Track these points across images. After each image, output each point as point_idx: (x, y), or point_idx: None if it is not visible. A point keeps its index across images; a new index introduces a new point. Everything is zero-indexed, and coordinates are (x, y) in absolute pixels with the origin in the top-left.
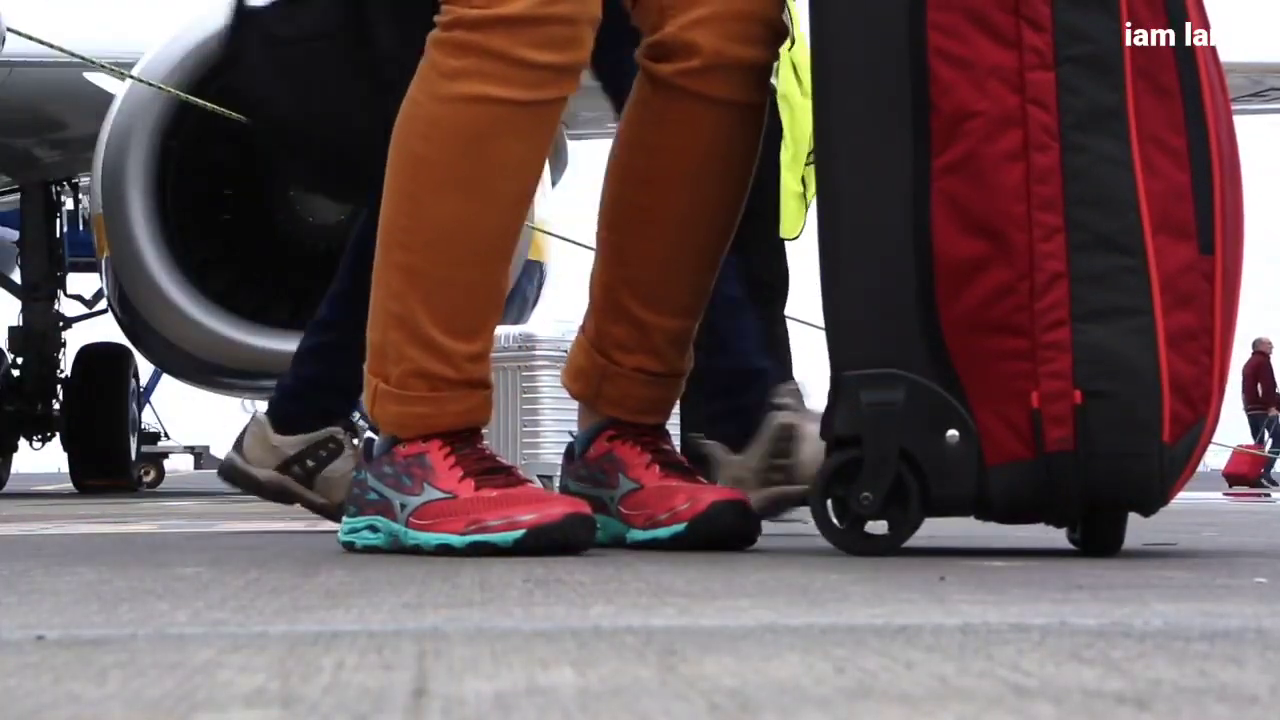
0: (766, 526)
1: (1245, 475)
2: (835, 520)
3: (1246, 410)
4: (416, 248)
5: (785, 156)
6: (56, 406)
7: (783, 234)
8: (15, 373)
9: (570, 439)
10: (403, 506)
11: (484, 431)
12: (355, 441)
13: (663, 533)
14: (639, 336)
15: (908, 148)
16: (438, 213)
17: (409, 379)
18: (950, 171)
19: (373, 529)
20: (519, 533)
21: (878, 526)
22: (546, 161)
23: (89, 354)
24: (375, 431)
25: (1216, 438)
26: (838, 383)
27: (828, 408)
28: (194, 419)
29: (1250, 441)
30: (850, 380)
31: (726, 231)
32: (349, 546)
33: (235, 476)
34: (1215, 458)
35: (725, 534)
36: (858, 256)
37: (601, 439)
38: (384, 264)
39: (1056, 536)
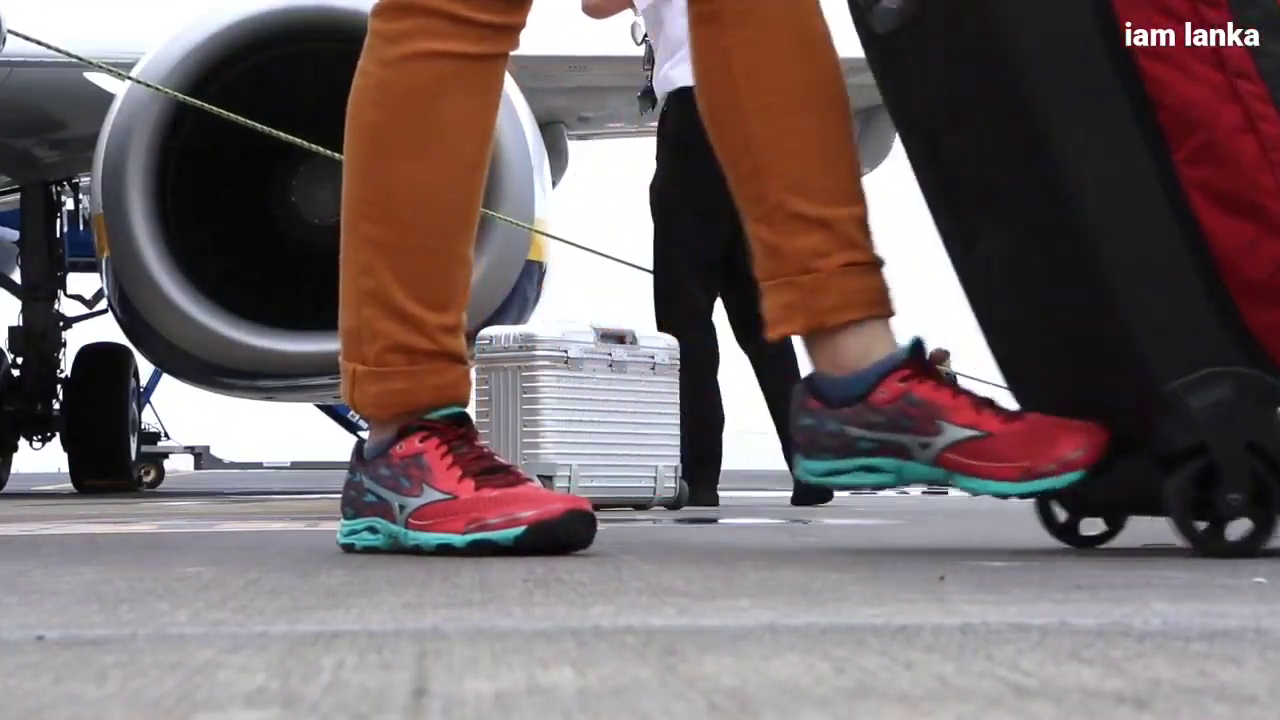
0: (768, 527)
1: None
2: (1197, 529)
3: None
4: (381, 218)
5: None
6: (56, 406)
7: None
8: (15, 373)
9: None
10: (401, 508)
11: (483, 431)
12: None
13: (1054, 482)
14: (830, 236)
15: (1145, 153)
16: (397, 179)
17: (386, 355)
18: (1194, 162)
19: (372, 530)
20: (519, 530)
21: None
22: (539, 145)
23: (89, 354)
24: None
25: None
26: (1159, 399)
27: (1154, 427)
28: (194, 419)
29: None
30: (1173, 391)
31: (847, 102)
32: (348, 548)
33: None
34: None
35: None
36: (1136, 276)
37: (892, 380)
38: (352, 241)
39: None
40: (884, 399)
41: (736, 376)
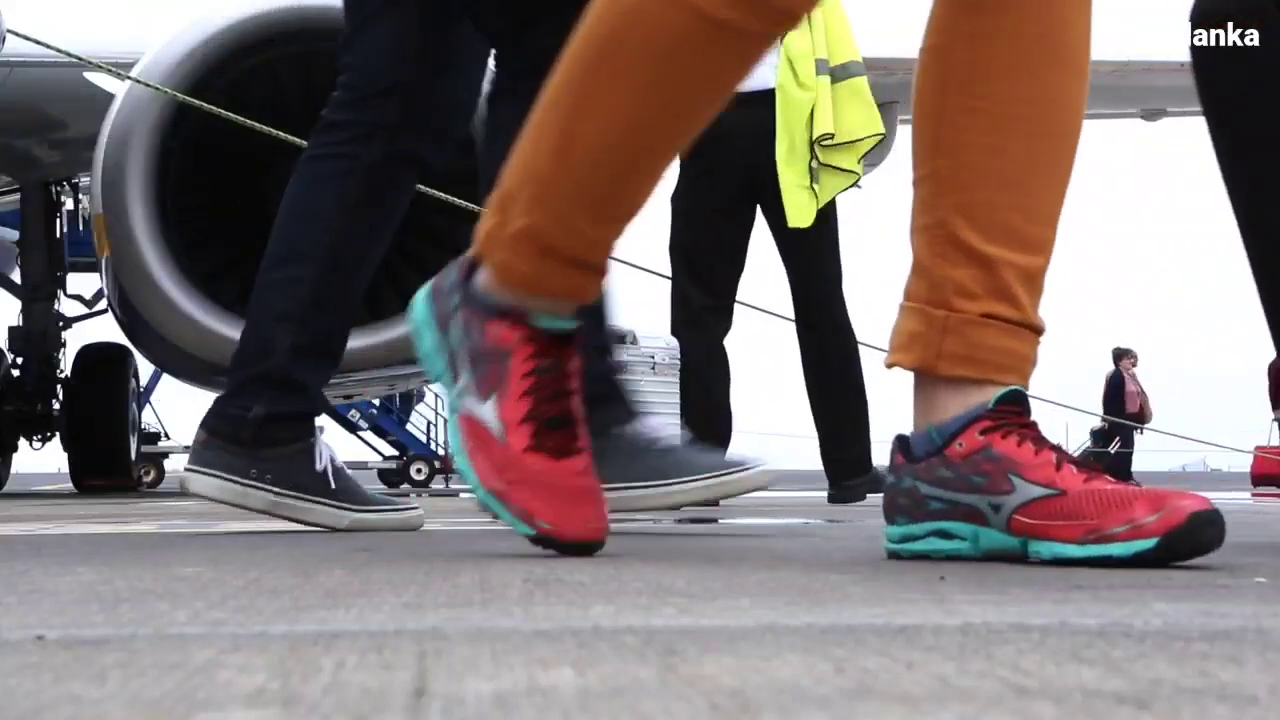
0: (768, 527)
1: (1275, 475)
2: None
3: (1274, 410)
4: (582, 117)
5: (781, 150)
6: (56, 406)
7: (792, 224)
8: (15, 373)
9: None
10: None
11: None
12: None
13: (1119, 549)
14: (984, 277)
15: None
16: (614, 99)
17: (523, 238)
18: None
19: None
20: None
21: None
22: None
23: (89, 354)
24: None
25: (1233, 442)
26: None
27: None
28: (194, 419)
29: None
30: None
31: (1074, 136)
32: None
33: None
34: (1218, 459)
35: (1203, 550)
36: None
37: (972, 432)
38: (544, 120)
39: None
40: (960, 453)
41: (739, 376)
